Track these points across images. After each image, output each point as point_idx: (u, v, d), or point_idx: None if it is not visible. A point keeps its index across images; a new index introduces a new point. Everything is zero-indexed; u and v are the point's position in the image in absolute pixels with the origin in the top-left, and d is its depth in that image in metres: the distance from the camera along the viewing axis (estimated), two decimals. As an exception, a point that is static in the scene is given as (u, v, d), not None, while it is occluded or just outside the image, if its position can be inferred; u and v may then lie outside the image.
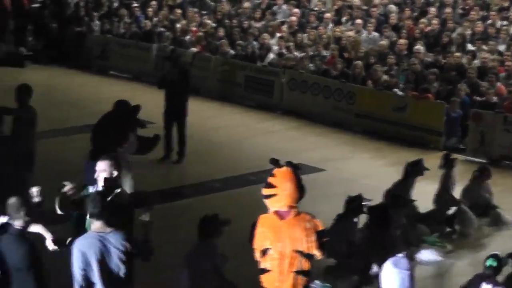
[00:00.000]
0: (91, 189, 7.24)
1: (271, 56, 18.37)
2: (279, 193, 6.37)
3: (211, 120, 16.94)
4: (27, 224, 6.60)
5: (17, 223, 6.60)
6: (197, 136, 15.27)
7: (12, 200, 6.61)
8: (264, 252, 6.35)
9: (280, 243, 6.34)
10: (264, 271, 6.39)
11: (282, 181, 6.40)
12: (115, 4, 22.67)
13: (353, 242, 9.21)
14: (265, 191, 6.46)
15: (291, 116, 17.40)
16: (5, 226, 6.98)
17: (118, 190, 7.07)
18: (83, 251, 6.40)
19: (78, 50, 21.64)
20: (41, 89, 19.08)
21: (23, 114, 10.88)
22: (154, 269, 8.93)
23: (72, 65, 21.46)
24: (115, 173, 7.15)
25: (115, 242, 6.45)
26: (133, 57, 20.53)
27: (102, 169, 7.15)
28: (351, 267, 8.99)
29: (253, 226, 6.53)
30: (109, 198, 6.63)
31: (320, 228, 6.55)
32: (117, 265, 6.46)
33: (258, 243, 6.34)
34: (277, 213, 6.40)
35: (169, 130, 13.92)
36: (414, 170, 10.80)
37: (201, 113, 17.21)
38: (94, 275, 6.43)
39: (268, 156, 14.20)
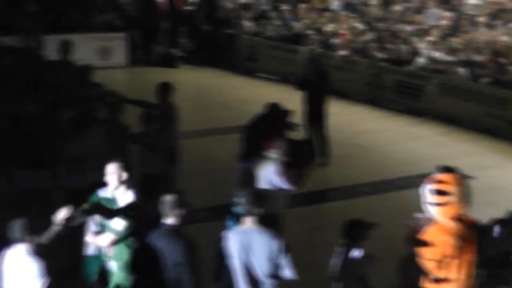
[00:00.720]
0: (101, 193, 7.36)
1: (421, 60, 18.08)
2: (454, 200, 6.18)
3: (358, 123, 16.85)
4: (181, 221, 6.74)
5: (170, 221, 6.73)
6: (344, 139, 15.24)
7: (167, 198, 6.76)
8: (441, 261, 6.18)
9: (464, 250, 6.18)
10: (442, 280, 6.22)
11: (456, 188, 6.21)
12: (265, 7, 22.94)
13: (509, 253, 8.88)
14: (438, 199, 6.25)
15: (440, 121, 17.05)
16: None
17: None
18: (229, 247, 6.70)
19: (228, 52, 22.07)
20: (192, 89, 19.68)
21: (164, 109, 11.19)
22: (300, 270, 8.98)
23: (222, 66, 21.91)
24: (124, 175, 7.23)
25: (261, 240, 6.59)
26: (281, 59, 20.72)
27: (111, 172, 7.25)
28: (506, 278, 8.68)
29: (420, 235, 6.34)
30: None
31: (482, 231, 6.46)
32: (261, 263, 6.59)
33: (438, 252, 6.16)
34: (454, 220, 6.22)
35: (310, 132, 13.93)
36: None
37: (349, 117, 17.17)
38: (237, 271, 6.68)
39: (416, 161, 14.11)
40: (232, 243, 6.74)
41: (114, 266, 7.36)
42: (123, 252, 7.20)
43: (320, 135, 13.93)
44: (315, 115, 13.90)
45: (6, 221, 6.66)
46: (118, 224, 7.19)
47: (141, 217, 7.22)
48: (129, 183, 7.33)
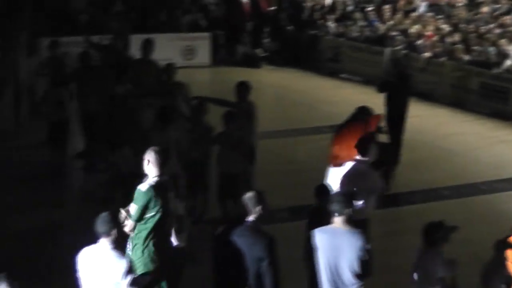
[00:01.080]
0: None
1: (508, 62, 17.67)
2: None
3: (442, 126, 16.57)
4: (261, 218, 6.77)
5: (251, 217, 6.76)
6: (427, 142, 15.04)
7: (249, 195, 6.80)
8: None
9: None
10: None
11: None
12: (350, 8, 22.79)
13: None
14: None
15: (528, 126, 16.64)
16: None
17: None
18: (315, 245, 6.83)
19: (311, 52, 22.01)
20: (274, 90, 19.73)
21: (244, 108, 11.23)
22: (379, 273, 8.89)
23: (304, 67, 21.86)
24: (147, 161, 7.51)
25: (350, 240, 6.66)
26: (365, 60, 20.55)
27: (145, 159, 7.58)
28: None
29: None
30: None
31: None
32: (347, 263, 6.65)
33: None
34: None
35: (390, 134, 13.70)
36: None
37: (433, 119, 16.92)
38: (321, 269, 6.79)
39: (502, 165, 13.80)
40: (319, 241, 6.83)
41: (129, 247, 7.60)
42: (138, 234, 7.51)
43: (396, 138, 13.65)
44: (394, 118, 13.65)
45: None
46: (132, 209, 7.50)
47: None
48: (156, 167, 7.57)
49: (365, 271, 6.77)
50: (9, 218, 10.86)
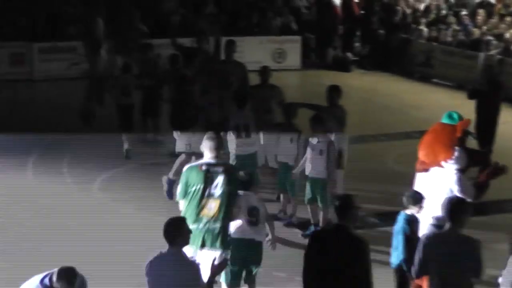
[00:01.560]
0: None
1: None
2: None
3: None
4: (354, 222, 6.77)
5: (343, 222, 6.72)
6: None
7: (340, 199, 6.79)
8: None
9: None
10: None
11: None
12: (444, 12, 22.45)
13: None
14: None
15: None
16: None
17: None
18: (427, 249, 6.92)
19: (402, 56, 21.77)
20: (364, 93, 19.59)
21: (334, 112, 11.17)
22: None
23: (395, 71, 21.65)
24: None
25: (461, 246, 6.77)
26: (458, 65, 20.21)
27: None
28: None
29: None
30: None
31: None
32: (462, 267, 6.77)
33: None
34: None
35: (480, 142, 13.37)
36: None
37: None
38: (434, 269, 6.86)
39: None
40: (430, 246, 6.88)
41: None
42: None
43: (486, 145, 13.31)
44: (485, 125, 13.32)
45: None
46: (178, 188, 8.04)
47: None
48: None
49: (475, 275, 6.90)
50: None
